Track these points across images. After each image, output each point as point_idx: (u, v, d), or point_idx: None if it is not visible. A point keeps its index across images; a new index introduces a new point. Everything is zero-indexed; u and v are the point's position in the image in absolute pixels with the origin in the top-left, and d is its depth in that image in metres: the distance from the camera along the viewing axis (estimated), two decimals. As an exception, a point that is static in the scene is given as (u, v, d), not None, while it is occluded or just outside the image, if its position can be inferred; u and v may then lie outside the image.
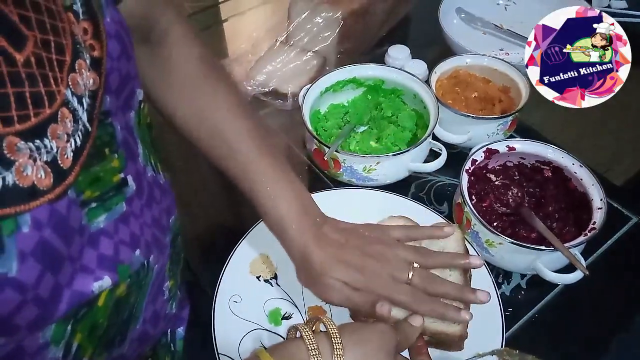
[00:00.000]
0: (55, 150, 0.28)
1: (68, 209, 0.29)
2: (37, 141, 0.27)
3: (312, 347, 0.37)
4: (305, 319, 0.56)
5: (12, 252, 0.25)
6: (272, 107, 0.83)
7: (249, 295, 0.57)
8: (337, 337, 0.38)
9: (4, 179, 0.25)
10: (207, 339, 0.53)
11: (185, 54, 0.51)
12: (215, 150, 0.51)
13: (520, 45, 0.90)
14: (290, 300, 0.57)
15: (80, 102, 0.30)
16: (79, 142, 0.30)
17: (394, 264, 0.49)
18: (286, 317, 0.56)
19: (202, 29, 1.03)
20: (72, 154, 0.29)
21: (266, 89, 0.82)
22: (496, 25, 0.93)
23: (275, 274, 0.59)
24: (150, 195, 0.39)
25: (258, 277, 0.59)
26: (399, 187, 0.69)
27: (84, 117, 0.30)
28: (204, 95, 0.51)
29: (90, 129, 0.31)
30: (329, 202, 0.64)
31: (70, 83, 0.30)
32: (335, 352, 0.37)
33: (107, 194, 0.33)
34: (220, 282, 0.56)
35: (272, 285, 0.58)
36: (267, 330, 0.55)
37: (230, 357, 0.51)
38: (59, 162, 0.28)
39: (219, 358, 0.51)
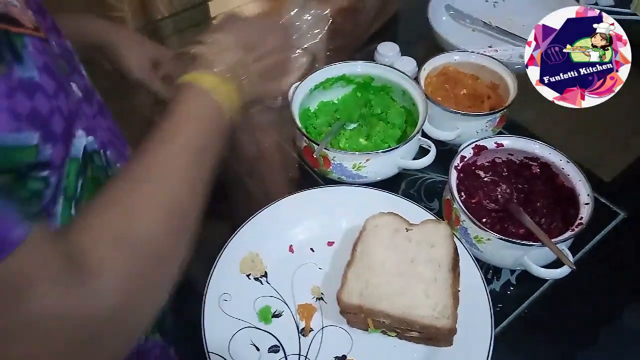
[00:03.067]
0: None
1: (54, 54, 0.35)
2: None
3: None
4: (295, 317, 0.56)
5: (30, 63, 0.31)
6: (262, 105, 0.82)
7: (239, 293, 0.56)
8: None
9: None
10: (197, 338, 0.52)
11: None
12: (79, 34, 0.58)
13: (508, 42, 0.90)
14: (280, 298, 0.57)
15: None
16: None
17: None
18: (276, 315, 0.56)
19: (191, 26, 1.02)
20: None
21: (255, 87, 0.81)
22: (485, 22, 0.93)
23: (265, 272, 0.59)
24: (101, 112, 0.45)
25: (248, 276, 0.58)
26: (390, 184, 0.69)
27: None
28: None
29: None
30: (319, 199, 0.64)
31: None
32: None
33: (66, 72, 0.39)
34: (210, 280, 0.56)
35: (262, 284, 0.58)
36: (257, 328, 0.55)
37: (220, 356, 0.51)
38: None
39: (209, 357, 0.51)
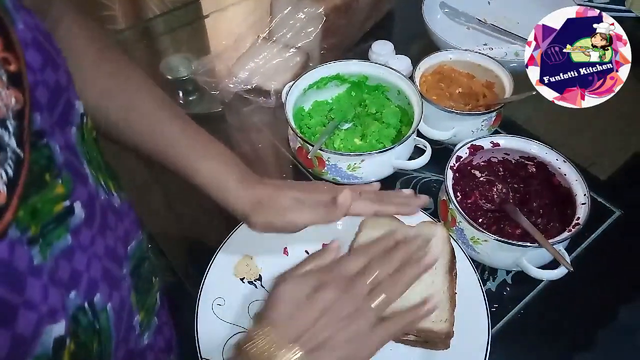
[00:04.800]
0: None
1: (11, 251, 0.25)
2: None
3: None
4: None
5: None
6: (255, 105, 0.82)
7: (233, 297, 0.56)
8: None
9: None
10: (190, 343, 0.52)
11: (82, 38, 0.48)
12: (131, 126, 0.49)
13: (504, 40, 0.90)
14: (275, 302, 0.56)
15: (4, 126, 0.26)
16: (11, 173, 0.26)
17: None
18: (271, 319, 0.55)
19: (183, 25, 1.01)
20: (5, 187, 0.25)
21: (249, 86, 0.81)
22: (480, 20, 0.93)
23: (260, 275, 0.58)
24: (104, 222, 0.36)
25: (242, 279, 0.58)
26: (385, 184, 0.68)
27: (12, 142, 0.27)
28: (110, 74, 0.49)
29: (22, 155, 0.27)
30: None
31: None
32: None
33: (46, 228, 0.29)
34: (203, 284, 0.55)
35: (256, 287, 0.57)
36: (251, 332, 0.54)
37: (215, 362, 0.51)
38: None
39: (202, 362, 0.50)
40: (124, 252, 0.39)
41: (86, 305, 0.32)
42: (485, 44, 0.88)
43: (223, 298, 0.55)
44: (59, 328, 0.28)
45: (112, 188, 0.39)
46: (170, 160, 0.50)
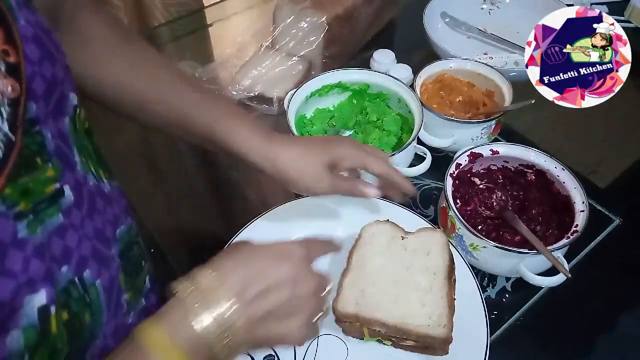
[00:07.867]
0: None
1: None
2: None
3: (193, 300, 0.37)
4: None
5: None
6: (258, 112, 0.83)
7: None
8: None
9: None
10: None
11: (98, 24, 0.51)
12: (157, 93, 0.52)
13: (504, 50, 0.90)
14: (276, 307, 0.57)
15: None
16: (0, 154, 0.29)
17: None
18: (271, 324, 0.55)
19: (187, 34, 1.02)
20: None
21: (252, 94, 0.82)
22: (480, 30, 0.94)
23: (261, 280, 0.59)
24: (92, 206, 0.38)
25: (243, 284, 0.58)
26: (385, 192, 0.69)
27: (5, 126, 0.30)
28: (133, 50, 0.52)
29: (14, 139, 0.30)
30: (314, 207, 0.64)
31: None
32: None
33: (39, 206, 0.32)
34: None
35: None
36: (252, 337, 0.54)
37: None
38: None
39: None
40: (112, 234, 0.41)
41: (76, 279, 0.35)
42: (485, 53, 0.89)
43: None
44: (39, 297, 0.31)
45: (102, 176, 0.42)
46: (191, 122, 0.53)
